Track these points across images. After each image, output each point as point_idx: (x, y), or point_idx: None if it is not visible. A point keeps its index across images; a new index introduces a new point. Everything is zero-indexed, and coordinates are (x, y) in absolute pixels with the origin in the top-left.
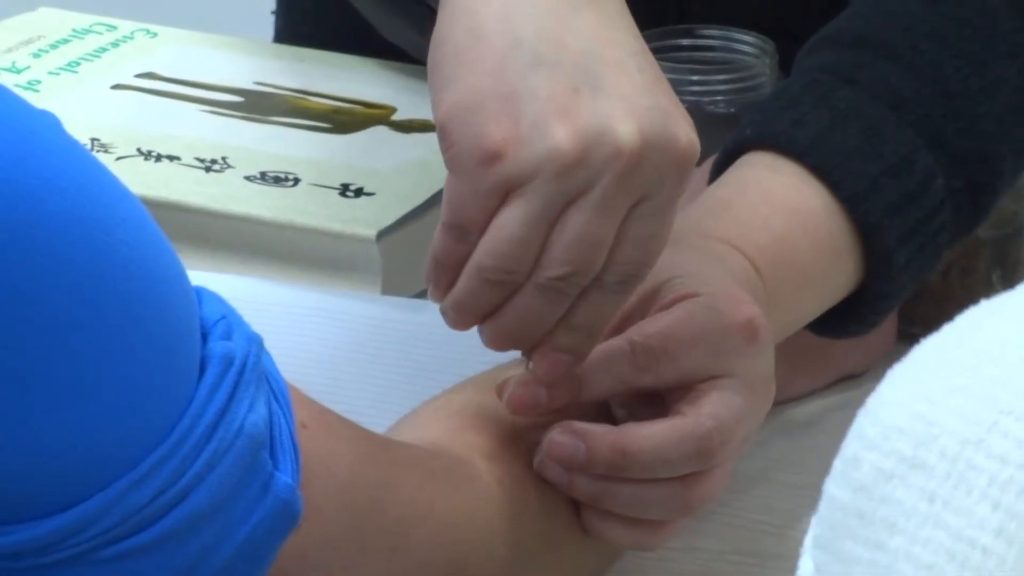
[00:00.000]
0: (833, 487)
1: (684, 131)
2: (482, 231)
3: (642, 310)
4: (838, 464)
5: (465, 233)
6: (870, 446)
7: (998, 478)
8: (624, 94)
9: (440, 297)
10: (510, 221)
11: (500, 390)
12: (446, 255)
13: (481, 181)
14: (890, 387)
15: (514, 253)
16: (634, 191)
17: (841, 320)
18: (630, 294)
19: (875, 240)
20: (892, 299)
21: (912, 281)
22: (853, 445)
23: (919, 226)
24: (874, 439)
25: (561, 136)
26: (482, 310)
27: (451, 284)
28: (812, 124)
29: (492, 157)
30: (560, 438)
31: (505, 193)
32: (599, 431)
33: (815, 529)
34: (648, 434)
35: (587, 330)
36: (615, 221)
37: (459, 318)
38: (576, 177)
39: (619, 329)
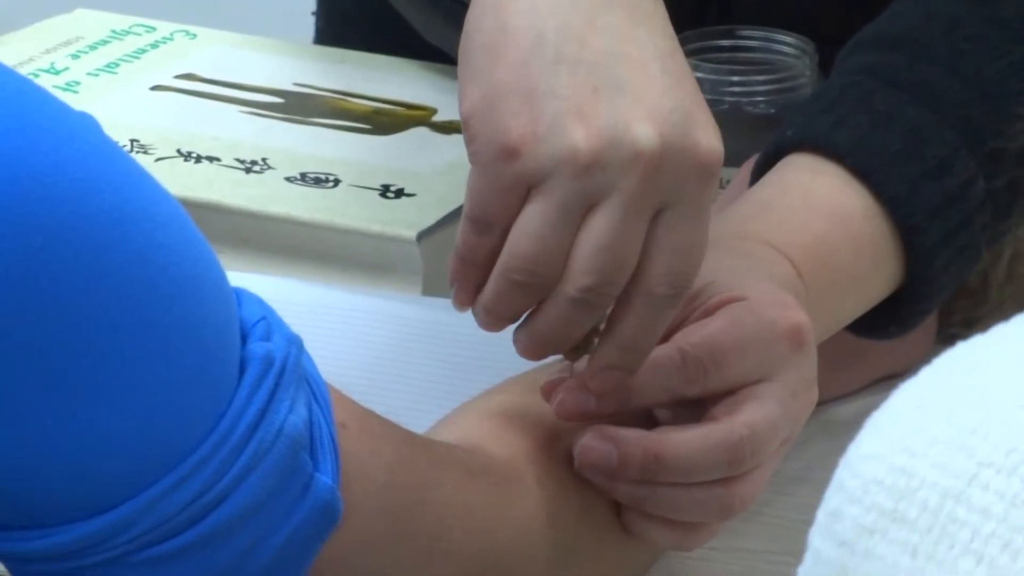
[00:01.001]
0: (818, 540)
1: (706, 135)
2: (505, 227)
3: (685, 313)
4: (821, 517)
5: (487, 227)
6: (851, 499)
7: (981, 531)
8: (646, 95)
9: (464, 299)
10: (531, 219)
11: (547, 393)
12: (468, 250)
13: (500, 176)
14: (869, 437)
15: (537, 253)
16: (655, 195)
17: (881, 321)
18: (677, 308)
19: (916, 242)
20: (932, 300)
21: (952, 282)
22: (835, 498)
23: (959, 227)
24: (855, 492)
25: (579, 136)
26: (511, 314)
27: (476, 284)
28: (853, 126)
29: (510, 153)
30: (592, 443)
31: (526, 190)
32: (632, 436)
33: None
34: (681, 440)
35: (637, 348)
36: (639, 227)
37: (489, 320)
38: (594, 178)
39: (665, 334)
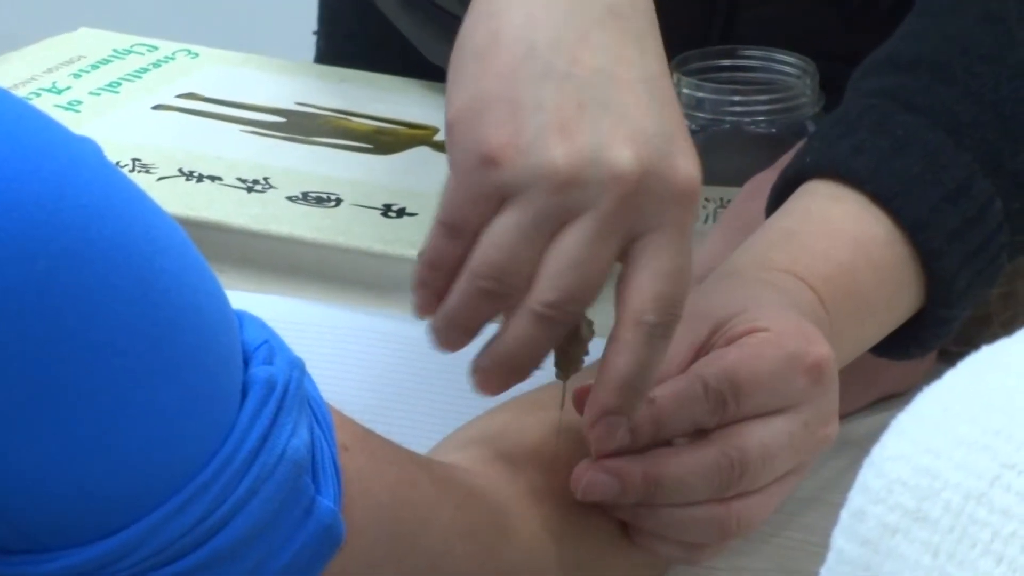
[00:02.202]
0: (841, 539)
1: (685, 162)
2: (475, 235)
3: (709, 345)
4: (844, 517)
5: (456, 232)
6: (875, 499)
7: (1001, 532)
8: (630, 117)
9: (425, 306)
10: (503, 228)
11: (579, 402)
12: (436, 255)
13: (477, 185)
14: (894, 438)
15: (505, 262)
16: (630, 218)
17: (901, 342)
18: (668, 340)
19: (937, 266)
20: (953, 322)
21: (971, 303)
22: (859, 498)
23: (979, 250)
24: (879, 492)
25: (558, 152)
26: (471, 324)
27: (440, 291)
28: (872, 151)
29: (490, 162)
30: (594, 478)
31: (500, 200)
32: (632, 466)
33: None
34: (675, 463)
35: (633, 387)
36: (609, 248)
37: (449, 334)
38: (570, 195)
39: (689, 362)
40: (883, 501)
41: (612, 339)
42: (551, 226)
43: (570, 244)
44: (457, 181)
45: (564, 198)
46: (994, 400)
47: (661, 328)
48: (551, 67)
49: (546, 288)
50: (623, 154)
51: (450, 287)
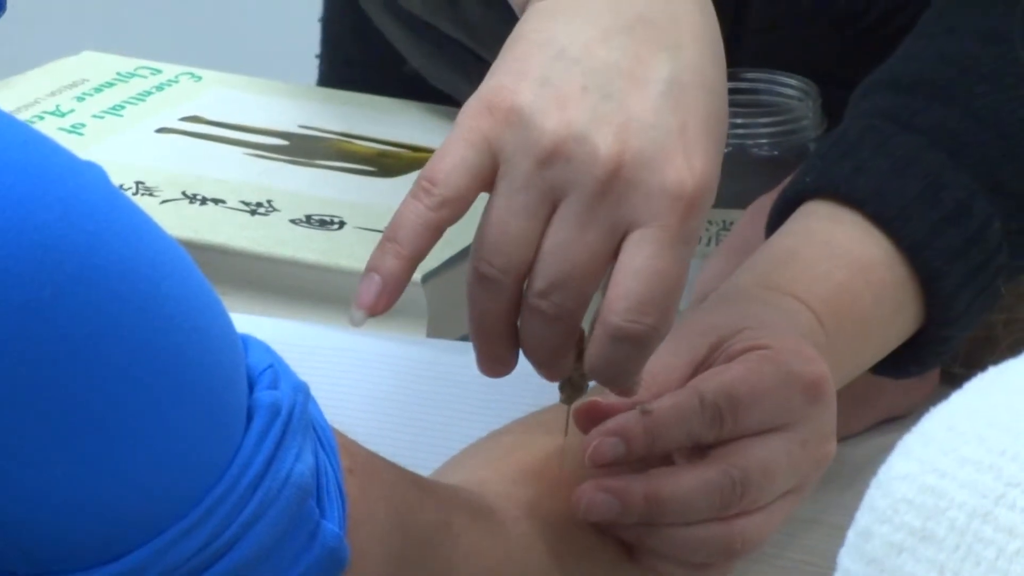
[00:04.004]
0: (847, 560)
1: (677, 167)
2: (454, 199)
3: (709, 361)
4: (851, 536)
5: (430, 185)
6: (881, 519)
7: (1006, 550)
8: (631, 109)
9: (379, 264)
10: (494, 205)
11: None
12: (406, 207)
13: (469, 130)
14: (901, 458)
15: (498, 241)
16: (616, 207)
17: (900, 362)
18: (642, 348)
19: (936, 287)
20: (952, 342)
21: (971, 323)
22: (865, 518)
23: (978, 270)
24: (885, 512)
25: (549, 124)
26: (482, 319)
27: (398, 253)
28: (872, 172)
29: (487, 109)
30: (595, 497)
31: (489, 160)
32: (632, 485)
33: None
34: (675, 481)
35: (606, 381)
36: (597, 237)
37: (476, 341)
38: (553, 171)
39: (688, 378)
40: (889, 520)
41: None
42: (541, 204)
43: (553, 228)
44: (451, 135)
45: (548, 171)
46: (999, 420)
47: (625, 333)
48: (565, 52)
49: (536, 276)
50: (608, 138)
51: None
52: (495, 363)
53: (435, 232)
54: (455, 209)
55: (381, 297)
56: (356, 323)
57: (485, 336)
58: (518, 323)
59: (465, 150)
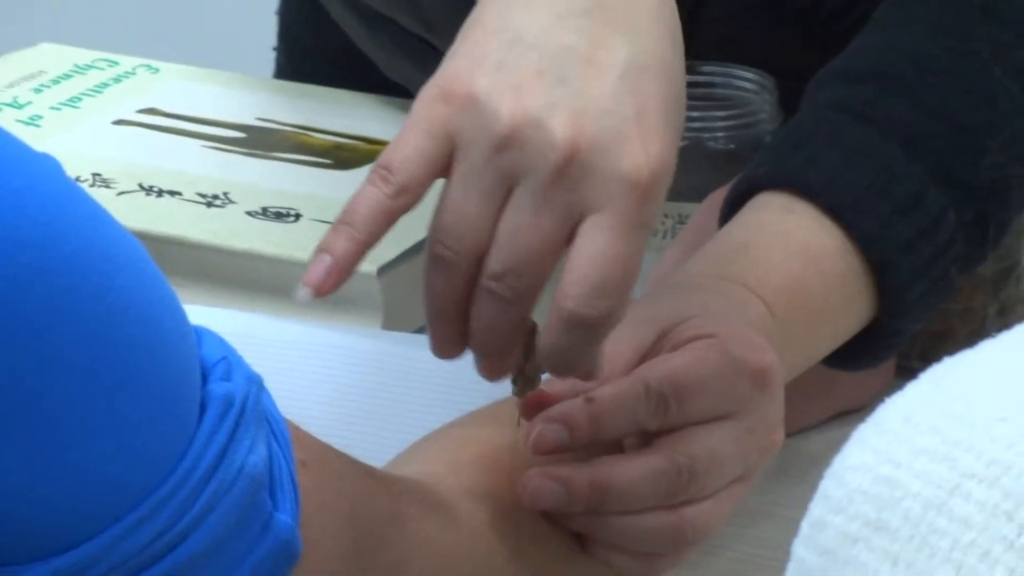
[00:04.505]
0: (801, 549)
1: (633, 152)
2: (410, 187)
3: (656, 350)
4: (805, 527)
5: (387, 172)
6: (836, 509)
7: (960, 541)
8: (586, 93)
9: (331, 245)
10: (450, 189)
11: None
12: (362, 193)
13: (426, 119)
14: (856, 449)
15: (453, 224)
16: (570, 192)
17: (853, 354)
18: (592, 335)
19: (888, 278)
20: (905, 334)
21: (924, 315)
22: (819, 508)
23: (931, 262)
24: (839, 502)
25: (503, 110)
26: (441, 304)
27: (352, 236)
28: (825, 164)
29: (442, 96)
30: (540, 484)
31: (445, 145)
32: (577, 472)
33: None
34: (622, 470)
35: (560, 364)
36: (551, 221)
37: (431, 323)
38: (509, 154)
39: (634, 366)
40: (844, 511)
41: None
42: (496, 189)
43: (509, 212)
44: (407, 122)
45: (503, 157)
46: (954, 410)
47: (579, 319)
48: (520, 38)
49: (491, 259)
50: (563, 124)
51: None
52: (448, 344)
53: (390, 218)
54: (411, 196)
55: (330, 277)
56: (301, 301)
57: (440, 317)
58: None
59: (421, 137)
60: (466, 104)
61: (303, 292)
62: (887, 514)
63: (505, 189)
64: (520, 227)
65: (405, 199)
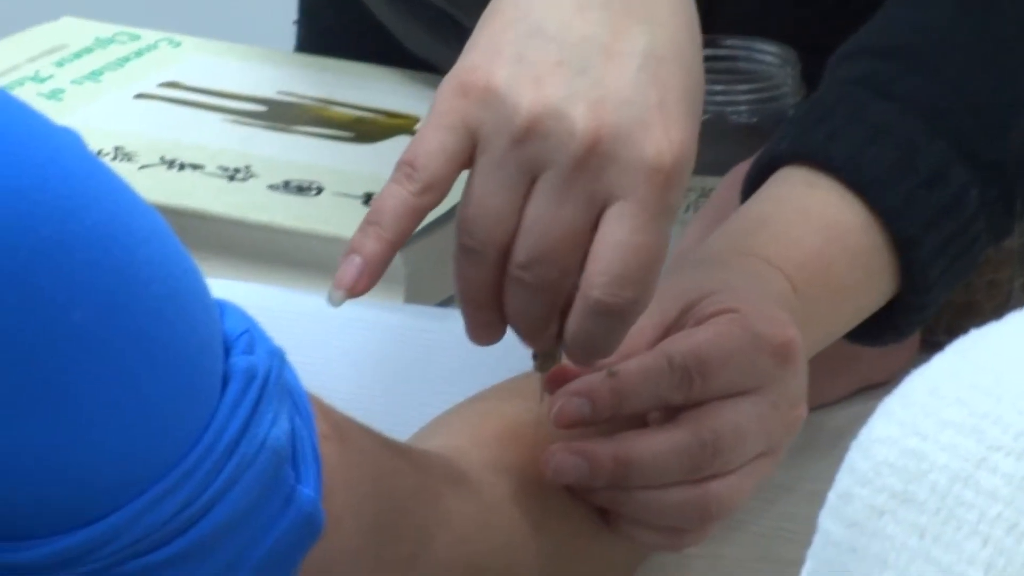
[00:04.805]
0: (828, 521)
1: (656, 140)
2: (435, 184)
3: (679, 324)
4: (832, 498)
5: (412, 169)
6: (862, 481)
7: (987, 514)
8: (607, 83)
9: (360, 245)
10: (474, 180)
11: (550, 385)
12: (388, 192)
13: (443, 111)
14: (882, 421)
15: (477, 216)
16: (593, 181)
17: (875, 329)
18: (621, 321)
19: (911, 254)
20: (927, 310)
21: (947, 291)
22: (845, 480)
23: (953, 238)
24: (866, 474)
25: (523, 102)
26: (472, 292)
27: (380, 236)
28: (847, 139)
29: (461, 89)
30: (563, 459)
31: (466, 141)
32: (600, 447)
33: (811, 563)
34: (646, 445)
35: (583, 351)
36: (575, 212)
37: (464, 311)
38: (531, 145)
39: (657, 340)
40: (870, 483)
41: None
42: (520, 180)
43: (533, 202)
44: (428, 118)
45: (525, 148)
46: (981, 383)
47: (605, 307)
48: (539, 28)
49: (517, 249)
50: (584, 114)
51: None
52: (483, 330)
53: (417, 216)
54: (437, 193)
55: (362, 278)
56: (335, 303)
57: (473, 306)
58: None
59: (443, 133)
60: (486, 97)
61: (336, 295)
62: (914, 487)
63: (528, 179)
64: (544, 217)
65: (431, 196)
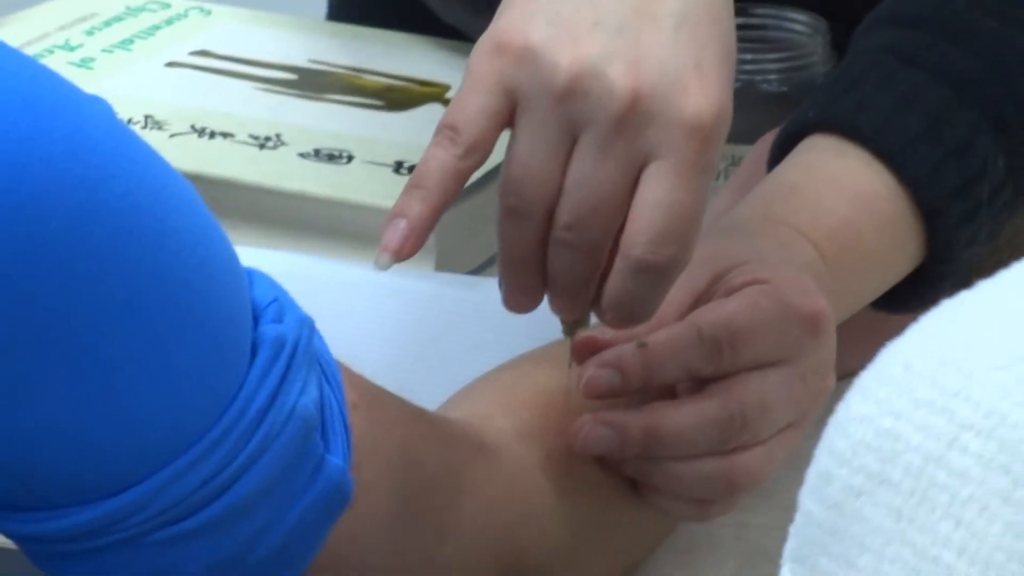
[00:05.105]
0: (809, 501)
1: (694, 98)
2: (478, 145)
3: (709, 294)
4: (812, 477)
5: (454, 133)
6: (840, 461)
7: (959, 495)
8: (644, 42)
9: (405, 209)
10: (514, 140)
11: (579, 353)
12: (431, 155)
13: (483, 76)
14: (859, 399)
15: (521, 176)
16: (633, 140)
17: (901, 297)
18: (661, 280)
19: (938, 223)
20: (952, 278)
21: (972, 259)
22: (824, 459)
23: (980, 206)
24: (844, 454)
25: (563, 59)
26: (516, 252)
27: (425, 198)
28: (875, 108)
29: (498, 49)
30: (592, 430)
31: (505, 102)
32: (630, 418)
33: (792, 541)
34: (674, 415)
35: (620, 313)
36: (616, 170)
37: (504, 273)
38: (571, 104)
39: (688, 309)
40: (848, 463)
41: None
42: (561, 140)
43: (575, 162)
44: (465, 80)
45: (565, 107)
46: (952, 357)
47: (645, 265)
48: None
49: (560, 210)
50: (622, 72)
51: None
52: (522, 295)
53: (461, 179)
54: (480, 154)
55: (408, 241)
56: (382, 267)
57: (514, 267)
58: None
59: (482, 95)
60: (524, 57)
61: (383, 258)
62: (889, 467)
63: (570, 139)
64: (586, 178)
65: (474, 159)
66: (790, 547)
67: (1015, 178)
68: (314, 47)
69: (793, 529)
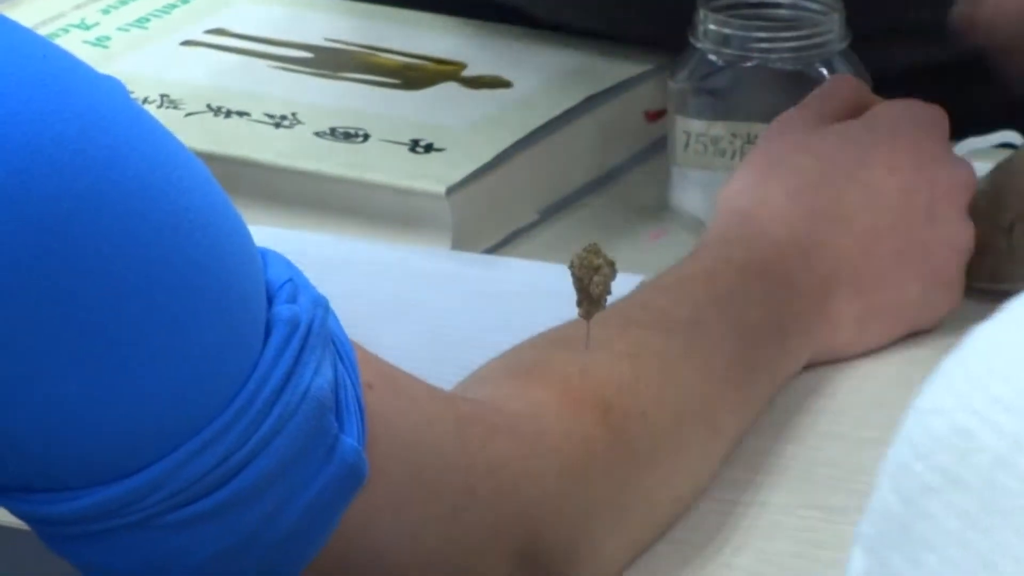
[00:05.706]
0: (887, 488)
1: None
2: None
3: None
4: (892, 465)
5: None
6: (919, 455)
7: (1021, 503)
8: None
9: None
10: None
11: None
12: None
13: None
14: (942, 390)
15: None
16: None
17: None
18: None
19: None
20: None
21: None
22: (904, 450)
23: None
24: (922, 448)
25: None
26: None
27: None
28: None
29: None
30: None
31: None
32: None
33: (867, 526)
34: None
35: None
36: None
37: None
38: None
39: None
40: (925, 459)
41: None
42: None
43: None
44: None
45: None
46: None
47: None
48: None
49: None
50: None
51: None
52: None
53: None
54: None
55: None
56: None
57: None
58: None
59: None
60: None
61: None
62: (961, 467)
63: None
64: None
65: None
66: (865, 532)
67: None
68: (330, 25)
69: (870, 513)
